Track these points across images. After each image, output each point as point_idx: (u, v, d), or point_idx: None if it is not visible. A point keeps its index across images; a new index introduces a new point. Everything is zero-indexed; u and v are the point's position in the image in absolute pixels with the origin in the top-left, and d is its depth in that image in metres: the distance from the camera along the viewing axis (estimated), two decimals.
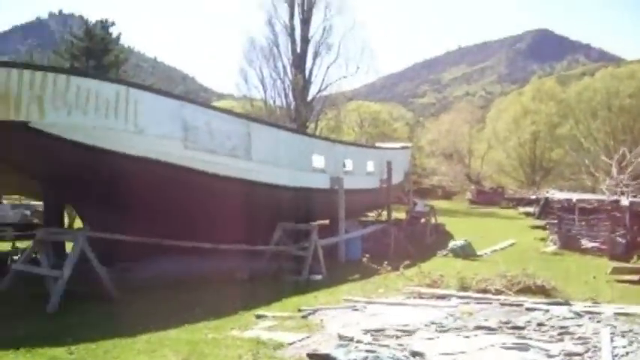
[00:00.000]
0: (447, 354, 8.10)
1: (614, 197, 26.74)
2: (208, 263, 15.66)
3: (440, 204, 49.93)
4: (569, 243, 24.63)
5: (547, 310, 11.11)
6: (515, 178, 73.52)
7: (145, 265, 14.91)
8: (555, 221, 27.26)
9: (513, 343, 8.55)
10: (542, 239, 27.95)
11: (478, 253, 22.49)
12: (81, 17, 58.53)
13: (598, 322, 10.16)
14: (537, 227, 33.44)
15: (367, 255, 18.00)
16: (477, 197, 61.72)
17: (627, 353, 8.07)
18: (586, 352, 8.19)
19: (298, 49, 55.34)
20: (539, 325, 9.85)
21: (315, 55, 56.07)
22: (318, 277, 16.21)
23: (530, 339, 8.84)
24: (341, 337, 8.95)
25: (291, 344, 8.79)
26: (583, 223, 25.68)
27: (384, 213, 27.00)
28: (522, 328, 9.60)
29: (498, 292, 13.14)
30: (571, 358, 7.93)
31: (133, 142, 14.23)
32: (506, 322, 9.95)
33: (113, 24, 51.94)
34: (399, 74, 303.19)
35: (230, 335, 9.46)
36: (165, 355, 8.36)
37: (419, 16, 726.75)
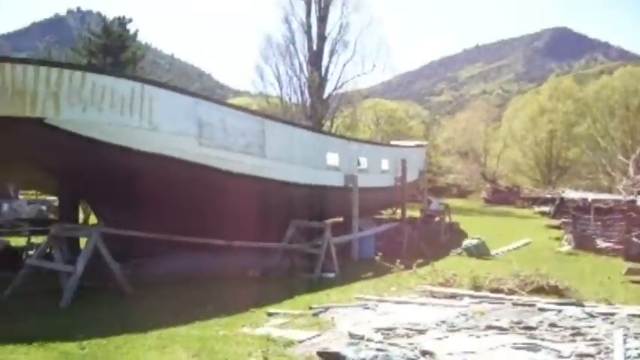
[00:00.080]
0: (457, 353, 8.08)
1: (631, 197, 26.52)
2: (221, 260, 15.74)
3: (455, 202, 49.76)
4: (584, 243, 24.44)
5: (560, 311, 11.04)
6: (531, 177, 73.00)
7: (157, 261, 15.01)
8: (570, 221, 27.05)
9: (524, 344, 8.50)
10: (557, 239, 27.77)
11: (492, 252, 22.37)
12: (99, 14, 59.06)
13: (611, 323, 10.08)
14: (552, 227, 33.21)
15: (380, 253, 18.01)
16: (492, 196, 61.36)
17: None
18: (598, 353, 8.13)
19: (314, 47, 55.29)
20: (552, 325, 9.79)
21: (332, 52, 56.01)
22: (331, 275, 16.21)
23: (542, 339, 8.79)
24: (351, 336, 8.95)
25: (301, 342, 8.80)
26: (598, 223, 25.47)
27: (399, 211, 26.92)
28: (534, 329, 9.54)
29: (511, 291, 13.08)
30: (582, 359, 7.88)
31: (147, 138, 14.28)
32: (517, 322, 9.90)
33: (130, 21, 52.27)
34: (415, 72, 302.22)
35: (241, 332, 9.50)
36: (176, 352, 8.41)
37: (436, 14, 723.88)
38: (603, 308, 11.50)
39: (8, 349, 8.45)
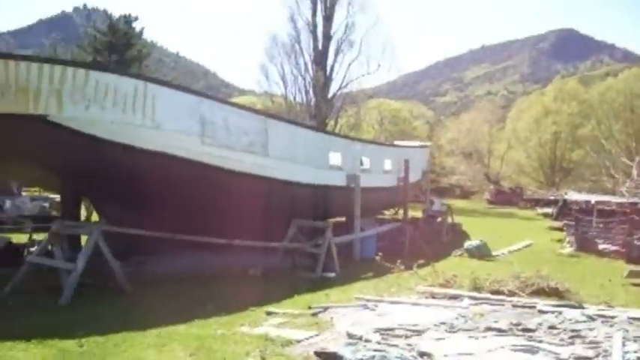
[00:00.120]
0: (455, 355, 8.09)
1: (634, 200, 26.45)
2: (222, 259, 15.75)
3: (458, 203, 49.77)
4: (585, 245, 24.39)
5: (559, 313, 11.05)
6: (535, 179, 72.92)
7: (158, 259, 15.04)
8: (572, 223, 27.00)
9: (523, 346, 8.52)
10: (559, 241, 27.71)
11: (493, 253, 22.34)
12: (105, 12, 59.32)
13: (611, 326, 10.08)
14: (555, 228, 33.16)
15: (380, 253, 18.00)
16: (496, 197, 61.37)
17: (638, 358, 8.00)
18: (596, 356, 8.15)
19: (320, 46, 55.34)
20: (551, 327, 9.80)
21: (337, 52, 56.16)
22: (332, 274, 16.19)
23: (541, 342, 8.79)
24: (350, 336, 8.96)
25: (299, 342, 8.81)
26: (601, 225, 25.42)
27: (401, 211, 26.89)
28: (533, 331, 9.55)
29: (511, 293, 13.06)
30: None
31: (150, 137, 14.29)
32: (517, 324, 9.90)
33: (136, 19, 52.52)
34: (421, 72, 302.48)
35: (239, 331, 9.51)
36: (174, 350, 8.43)
37: (442, 14, 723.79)
38: (603, 311, 11.48)
39: (7, 345, 8.49)
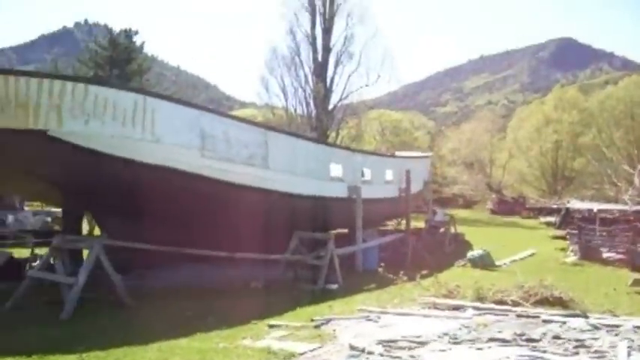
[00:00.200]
0: None
1: (637, 207, 26.37)
2: (223, 271, 15.72)
3: (460, 213, 49.69)
4: (589, 253, 24.30)
5: (564, 323, 10.99)
6: (537, 188, 72.76)
7: (159, 273, 15.02)
8: (575, 231, 26.91)
9: (527, 356, 8.45)
10: (563, 249, 27.61)
11: (497, 263, 22.26)
12: (105, 26, 59.34)
13: (616, 335, 10.02)
14: (558, 237, 33.07)
15: (382, 264, 17.95)
16: (498, 207, 61.22)
17: None
18: None
19: (320, 58, 55.47)
20: (555, 337, 9.73)
21: (337, 63, 56.26)
22: (334, 286, 16.12)
23: (545, 352, 8.73)
24: (352, 348, 8.89)
25: (302, 354, 8.75)
26: (604, 233, 25.34)
27: (403, 222, 26.87)
28: (537, 341, 9.48)
29: (515, 303, 12.97)
30: None
31: (150, 150, 14.32)
32: (520, 335, 9.83)
33: (137, 33, 52.58)
34: (421, 83, 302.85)
35: (241, 345, 9.43)
36: None
37: (442, 25, 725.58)
38: (608, 320, 11.41)
39: None
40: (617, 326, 10.71)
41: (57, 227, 26.62)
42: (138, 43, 52.84)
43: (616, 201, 40.20)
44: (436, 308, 12.76)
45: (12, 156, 13.46)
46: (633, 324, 10.84)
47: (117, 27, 56.28)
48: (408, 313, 12.06)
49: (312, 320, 11.33)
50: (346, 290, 15.69)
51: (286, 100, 55.74)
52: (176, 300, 13.46)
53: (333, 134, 55.28)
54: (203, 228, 15.72)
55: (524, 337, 9.65)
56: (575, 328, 10.47)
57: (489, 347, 9.07)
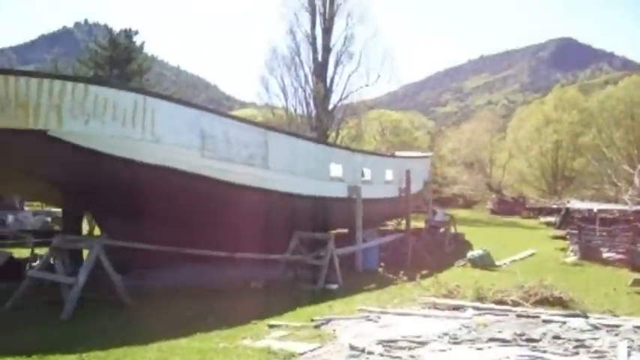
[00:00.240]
0: None
1: (637, 207, 26.37)
2: (223, 271, 15.72)
3: (460, 213, 49.71)
4: (589, 253, 24.30)
5: (564, 323, 10.99)
6: (537, 188, 72.75)
7: (160, 273, 15.03)
8: (575, 231, 26.92)
9: (527, 356, 8.45)
10: (563, 249, 27.61)
11: (497, 263, 22.25)
12: (106, 26, 59.30)
13: (616, 335, 10.02)
14: (558, 237, 33.06)
15: (383, 264, 17.95)
16: (498, 207, 61.22)
17: None
18: None
19: (320, 58, 55.47)
20: (555, 337, 9.73)
21: (337, 63, 56.26)
22: (334, 286, 16.11)
23: (545, 352, 8.73)
24: (352, 348, 8.89)
25: (302, 354, 8.75)
26: (604, 233, 25.33)
27: (404, 222, 26.88)
28: (537, 341, 9.48)
29: (515, 303, 12.96)
30: None
31: (150, 150, 14.33)
32: (520, 335, 9.83)
33: (137, 33, 52.56)
34: (421, 83, 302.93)
35: (241, 345, 9.43)
36: None
37: (442, 25, 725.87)
38: (608, 320, 11.41)
39: None
40: (617, 326, 10.71)
41: (57, 227, 26.62)
42: (138, 43, 52.87)
43: (616, 201, 40.18)
44: (436, 308, 12.76)
45: (12, 156, 13.46)
46: (633, 324, 10.84)
47: (117, 27, 56.29)
48: (408, 313, 12.06)
49: (312, 320, 11.32)
50: (346, 290, 15.69)
51: (286, 100, 55.84)
52: (176, 300, 13.46)
53: (333, 134, 55.28)
54: (203, 228, 15.72)
55: (524, 337, 9.65)
56: (575, 328, 10.48)
57: (489, 347, 9.07)
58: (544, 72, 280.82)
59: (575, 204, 33.41)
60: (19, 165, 14.46)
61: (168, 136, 14.60)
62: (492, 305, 12.76)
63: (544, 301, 13.19)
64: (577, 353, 8.71)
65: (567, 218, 32.21)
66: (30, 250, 19.28)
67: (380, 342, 9.29)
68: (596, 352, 8.76)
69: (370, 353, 8.54)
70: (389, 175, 25.94)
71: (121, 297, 12.93)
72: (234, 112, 70.08)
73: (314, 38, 55.48)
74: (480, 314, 11.91)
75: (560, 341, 9.46)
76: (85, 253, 14.44)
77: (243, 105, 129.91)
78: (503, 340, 9.47)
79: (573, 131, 68.41)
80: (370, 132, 71.15)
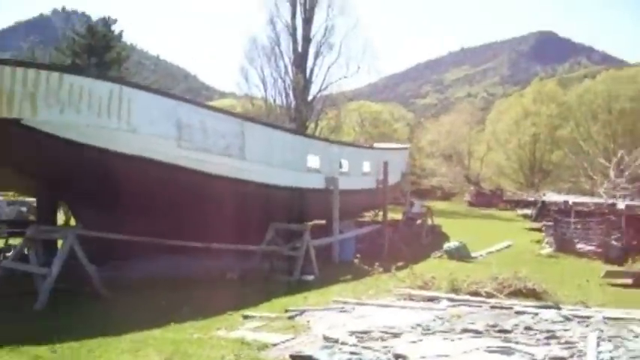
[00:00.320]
0: (431, 357, 8.08)
1: (612, 200, 26.66)
2: (199, 262, 15.70)
3: (438, 205, 49.99)
4: (564, 246, 24.57)
5: (536, 314, 11.09)
6: (515, 180, 73.23)
7: (135, 263, 14.96)
8: (551, 224, 27.19)
9: (498, 347, 8.52)
10: (538, 241, 27.90)
11: (473, 254, 22.43)
12: (84, 14, 58.73)
13: (586, 326, 10.13)
14: (534, 229, 33.39)
15: (359, 256, 18.01)
16: (476, 199, 61.70)
17: (612, 358, 8.04)
18: (571, 356, 8.17)
19: (299, 49, 55.30)
20: (527, 328, 9.82)
21: (317, 54, 56.13)
22: (310, 277, 16.15)
23: (516, 343, 8.80)
24: (326, 339, 8.92)
25: (275, 345, 8.76)
26: (579, 226, 25.60)
27: (381, 214, 26.97)
28: (509, 332, 9.56)
29: (489, 294, 13.07)
30: None
31: (126, 140, 14.24)
32: (493, 326, 9.92)
33: (115, 21, 52.00)
34: (401, 74, 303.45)
35: (215, 335, 9.43)
36: (149, 355, 8.34)
37: (422, 17, 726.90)
38: (580, 311, 11.54)
39: None
40: (588, 317, 10.83)
41: (32, 217, 26.36)
42: (116, 32, 52.27)
43: (592, 194, 40.55)
44: (411, 299, 12.82)
45: None
46: (604, 315, 10.98)
47: (95, 15, 55.80)
48: (383, 305, 12.12)
49: (287, 311, 11.35)
50: (322, 281, 15.74)
51: (265, 91, 55.63)
52: (152, 291, 13.39)
53: (312, 125, 55.21)
54: (179, 218, 15.66)
55: (496, 329, 9.73)
56: (547, 320, 10.58)
57: (461, 338, 9.13)
58: (524, 65, 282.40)
59: (552, 197, 33.74)
60: None
61: (144, 126, 14.51)
62: (467, 297, 12.86)
63: (518, 293, 13.34)
64: (548, 344, 8.80)
65: (543, 211, 32.52)
66: (4, 240, 19.09)
67: (353, 333, 9.32)
68: (566, 342, 8.86)
69: (344, 344, 8.57)
70: (366, 166, 26.00)
71: (97, 288, 12.86)
72: (214, 103, 69.85)
73: (294, 29, 55.30)
74: (454, 305, 11.98)
75: (531, 332, 9.55)
76: (60, 243, 14.35)
77: (223, 95, 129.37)
78: (476, 332, 9.54)
79: (551, 124, 68.95)
80: (349, 123, 71.11)
